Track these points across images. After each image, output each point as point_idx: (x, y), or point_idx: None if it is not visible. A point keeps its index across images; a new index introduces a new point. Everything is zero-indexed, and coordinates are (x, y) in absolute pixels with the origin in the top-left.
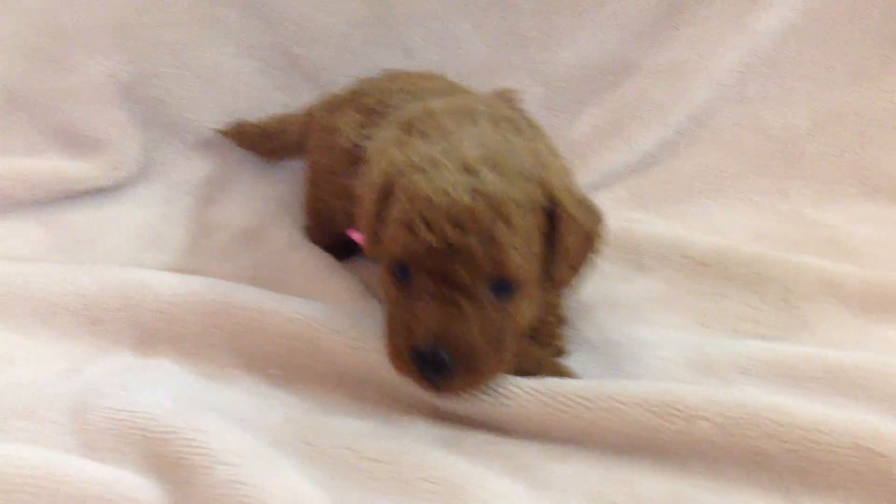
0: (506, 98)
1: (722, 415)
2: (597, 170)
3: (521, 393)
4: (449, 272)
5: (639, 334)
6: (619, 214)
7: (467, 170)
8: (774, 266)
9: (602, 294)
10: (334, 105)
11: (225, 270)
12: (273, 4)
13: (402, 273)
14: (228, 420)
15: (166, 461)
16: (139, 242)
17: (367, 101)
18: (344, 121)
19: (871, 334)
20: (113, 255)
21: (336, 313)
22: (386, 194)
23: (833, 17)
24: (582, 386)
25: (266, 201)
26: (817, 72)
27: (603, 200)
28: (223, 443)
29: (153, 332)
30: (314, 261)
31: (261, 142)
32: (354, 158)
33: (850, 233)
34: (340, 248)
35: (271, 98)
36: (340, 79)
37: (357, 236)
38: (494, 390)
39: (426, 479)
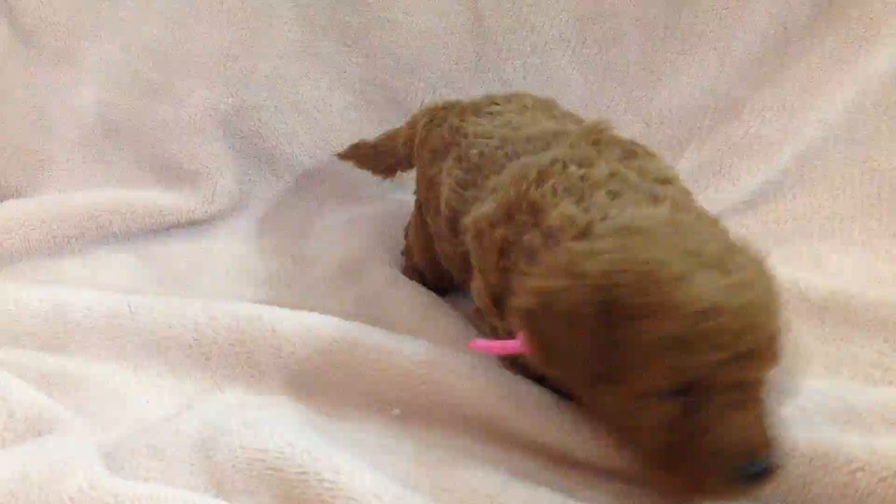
0: (599, 129)
1: (880, 464)
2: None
3: None
4: (743, 379)
5: None
6: None
7: (714, 265)
8: None
9: None
10: (436, 150)
11: (328, 306)
12: (374, 40)
13: (679, 394)
14: (360, 460)
15: (302, 502)
16: (235, 276)
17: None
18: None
19: None
20: (209, 289)
21: (457, 355)
22: (609, 312)
23: None
24: None
25: (360, 236)
26: None
27: None
28: (361, 484)
29: (268, 370)
30: (418, 298)
31: (375, 160)
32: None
33: None
34: (442, 285)
35: (365, 132)
36: None
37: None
38: None
39: None
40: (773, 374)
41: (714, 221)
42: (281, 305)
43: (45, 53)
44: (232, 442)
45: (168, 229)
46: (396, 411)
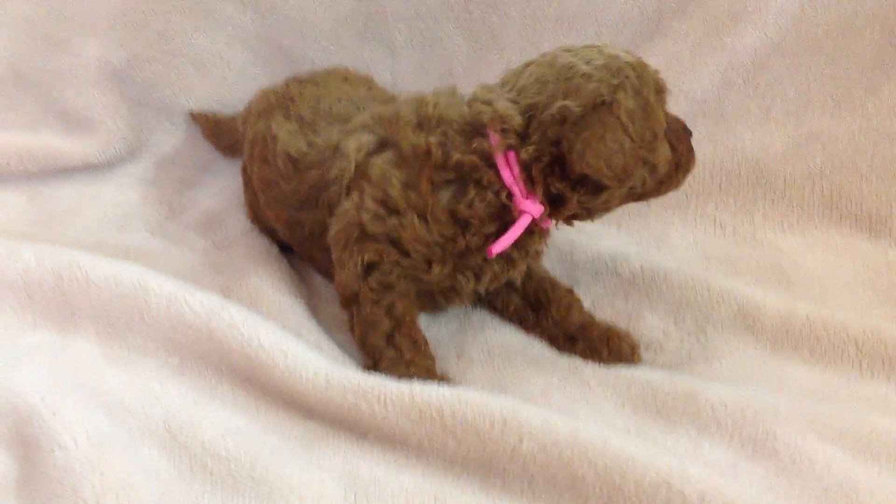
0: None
1: (550, 437)
2: None
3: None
4: None
5: None
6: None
7: None
8: (697, 292)
9: None
10: (263, 111)
11: (179, 253)
12: (268, 0)
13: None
14: (104, 404)
15: (24, 439)
16: (113, 221)
17: (300, 110)
18: (281, 130)
19: (772, 370)
20: (84, 231)
21: (237, 309)
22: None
23: (819, 38)
24: (439, 395)
25: (238, 189)
26: (797, 93)
27: None
28: (68, 426)
29: (79, 311)
30: (260, 248)
31: (217, 135)
32: (298, 166)
33: (797, 261)
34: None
35: (260, 86)
36: None
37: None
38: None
39: (256, 479)
40: None
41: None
42: (141, 250)
43: None
44: None
45: (64, 172)
46: (172, 358)
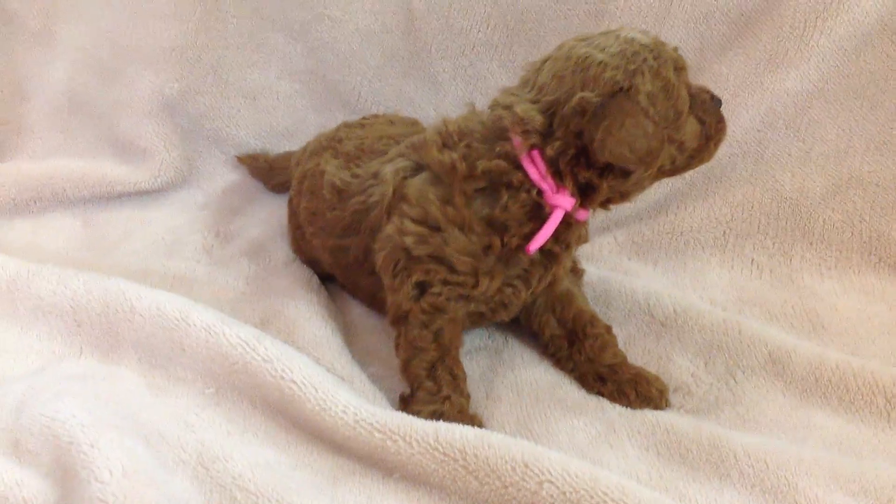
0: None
1: (569, 483)
2: (601, 213)
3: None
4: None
5: None
6: (611, 261)
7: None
8: (729, 336)
9: None
10: (314, 151)
11: (224, 280)
12: (317, 34)
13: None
14: (142, 434)
15: (63, 468)
16: (161, 247)
17: (346, 148)
18: (329, 165)
19: (800, 418)
20: (134, 256)
21: (273, 344)
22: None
23: (859, 82)
24: (463, 437)
25: (282, 218)
26: (838, 136)
27: (602, 244)
28: (106, 459)
29: (123, 339)
30: (300, 278)
31: (268, 174)
32: (343, 196)
33: (833, 305)
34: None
35: (308, 119)
36: (373, 105)
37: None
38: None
39: None
40: None
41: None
42: (187, 277)
43: (24, 33)
44: (37, 407)
45: (117, 199)
46: (209, 389)
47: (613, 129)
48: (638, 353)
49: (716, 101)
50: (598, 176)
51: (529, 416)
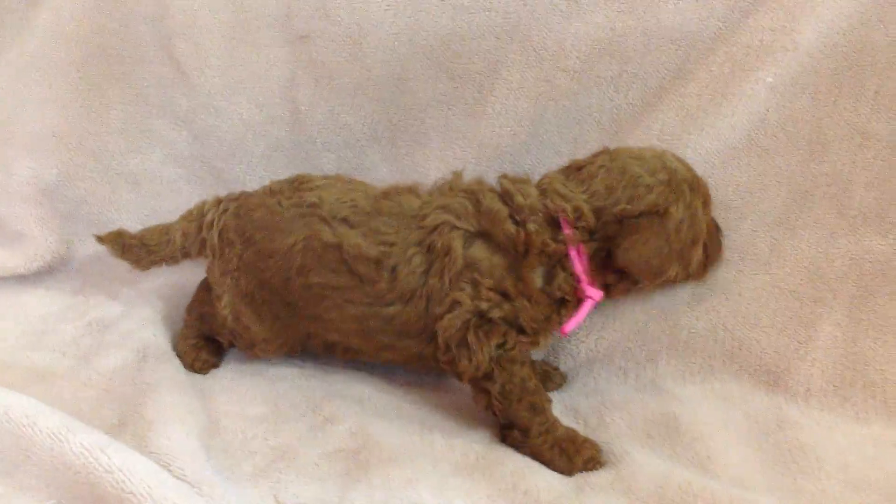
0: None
1: None
2: None
3: None
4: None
5: None
6: None
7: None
8: None
9: None
10: (274, 224)
11: (86, 376)
12: (202, 122)
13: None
14: None
15: None
16: (30, 337)
17: (338, 213)
18: (344, 237)
19: None
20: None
21: (119, 449)
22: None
23: (728, 195)
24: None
25: (157, 301)
26: None
27: None
28: None
29: None
30: (166, 374)
31: (140, 253)
32: (382, 266)
33: (692, 411)
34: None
35: (192, 203)
36: None
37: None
38: None
39: None
40: None
41: None
42: (48, 372)
43: None
44: None
45: None
46: (52, 502)
47: (638, 244)
48: None
49: (718, 231)
50: (616, 279)
51: None
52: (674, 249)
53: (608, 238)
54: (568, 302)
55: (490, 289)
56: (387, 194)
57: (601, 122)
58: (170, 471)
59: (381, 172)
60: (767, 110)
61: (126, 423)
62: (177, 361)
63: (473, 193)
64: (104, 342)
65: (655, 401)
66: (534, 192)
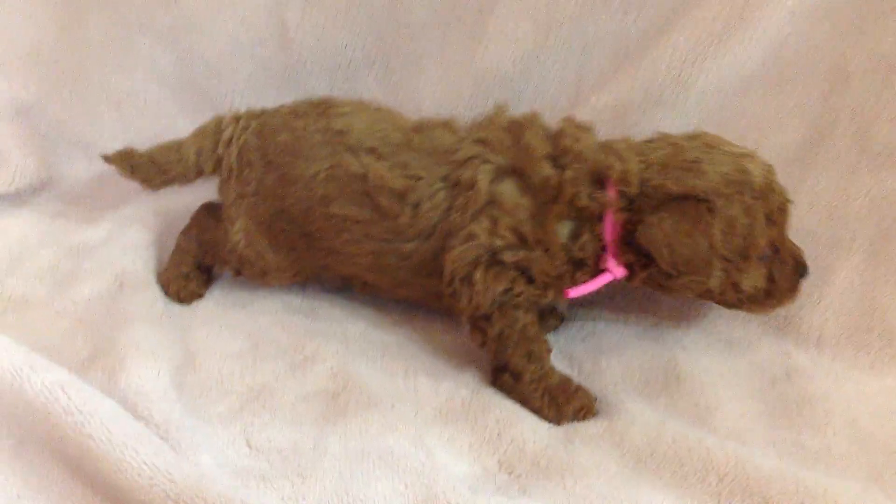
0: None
1: None
2: None
3: None
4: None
5: None
6: None
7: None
8: None
9: None
10: (298, 149)
11: (61, 305)
12: (185, 41)
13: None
14: None
15: None
16: (5, 262)
17: (366, 143)
18: (370, 168)
19: (629, 492)
20: None
21: (81, 389)
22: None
23: (738, 126)
24: None
25: (142, 227)
26: None
27: None
28: None
29: None
30: (143, 304)
31: (150, 172)
32: (406, 200)
33: (695, 359)
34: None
35: (177, 125)
36: None
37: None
38: None
39: None
40: None
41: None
42: (23, 300)
43: None
44: None
45: None
46: (10, 441)
47: (666, 224)
48: None
49: (800, 270)
50: (637, 260)
51: None
52: (716, 252)
53: (641, 212)
54: (586, 267)
55: (509, 228)
56: (419, 128)
57: (608, 49)
58: (136, 411)
59: (376, 95)
60: (786, 37)
61: (97, 357)
62: (157, 290)
63: (519, 126)
64: (83, 269)
65: (655, 347)
66: (591, 141)
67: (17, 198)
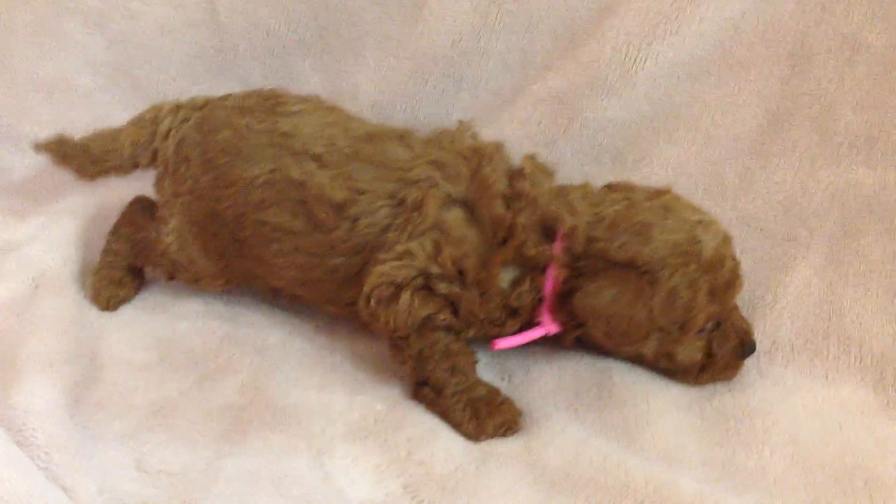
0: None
1: None
2: None
3: None
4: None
5: None
6: None
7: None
8: None
9: None
10: (238, 149)
11: None
12: (116, 25)
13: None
14: None
15: None
16: None
17: (311, 148)
18: (312, 177)
19: None
20: None
21: None
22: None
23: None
24: None
25: (73, 222)
26: (665, 174)
27: None
28: None
29: None
30: (57, 308)
31: (84, 160)
32: (344, 214)
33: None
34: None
35: (112, 115)
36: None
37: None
38: None
39: None
40: None
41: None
42: None
43: None
44: None
45: None
46: None
47: (604, 294)
48: None
49: (743, 348)
50: (569, 323)
51: None
52: (653, 322)
53: (583, 273)
54: (519, 316)
55: (452, 259)
56: (371, 137)
57: (554, 30)
58: (22, 431)
59: (311, 84)
60: (743, 15)
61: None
62: (73, 293)
63: (479, 156)
64: (2, 270)
65: (590, 357)
66: (548, 187)
67: None
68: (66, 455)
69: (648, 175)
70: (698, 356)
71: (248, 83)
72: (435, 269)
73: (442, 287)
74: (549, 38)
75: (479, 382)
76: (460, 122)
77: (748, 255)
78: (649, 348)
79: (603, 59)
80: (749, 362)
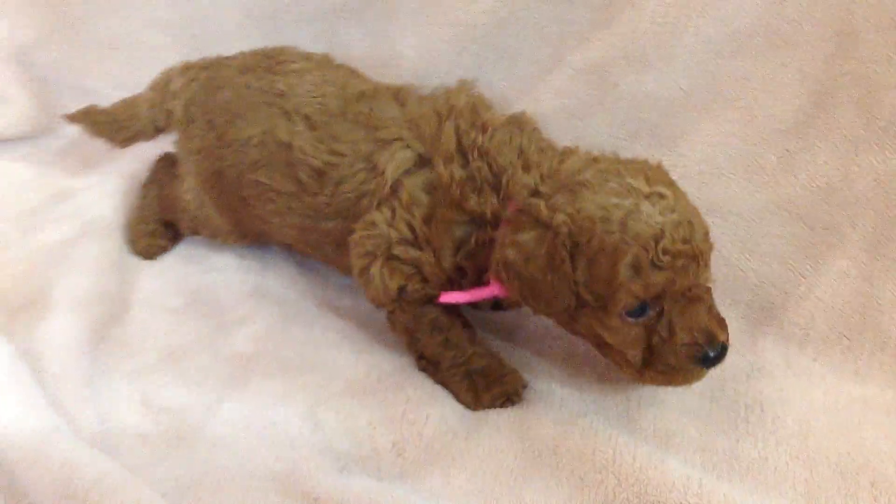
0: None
1: None
2: None
3: None
4: (688, 285)
5: None
6: None
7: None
8: None
9: None
10: (237, 106)
11: (14, 253)
12: None
13: (640, 311)
14: None
15: None
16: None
17: (303, 109)
18: (296, 138)
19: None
20: None
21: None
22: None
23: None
24: None
25: (128, 176)
26: (703, 154)
27: None
28: None
29: None
30: (91, 255)
31: (113, 129)
32: (325, 179)
33: None
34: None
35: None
36: None
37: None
38: None
39: None
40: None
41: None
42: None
43: None
44: None
45: None
46: None
47: (522, 246)
48: None
49: (699, 352)
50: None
51: None
52: (565, 286)
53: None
54: (467, 277)
55: (404, 222)
56: (363, 96)
57: (592, 1)
58: (39, 361)
59: (358, 50)
60: None
61: (29, 306)
62: (117, 239)
63: (448, 112)
64: (57, 214)
65: None
66: (507, 138)
67: (18, 141)
68: (75, 385)
69: (686, 153)
70: (634, 346)
71: (301, 47)
72: (393, 235)
73: (400, 251)
74: (587, 8)
75: (478, 354)
76: (460, 80)
77: (783, 242)
78: (582, 325)
79: (640, 31)
80: (777, 351)
